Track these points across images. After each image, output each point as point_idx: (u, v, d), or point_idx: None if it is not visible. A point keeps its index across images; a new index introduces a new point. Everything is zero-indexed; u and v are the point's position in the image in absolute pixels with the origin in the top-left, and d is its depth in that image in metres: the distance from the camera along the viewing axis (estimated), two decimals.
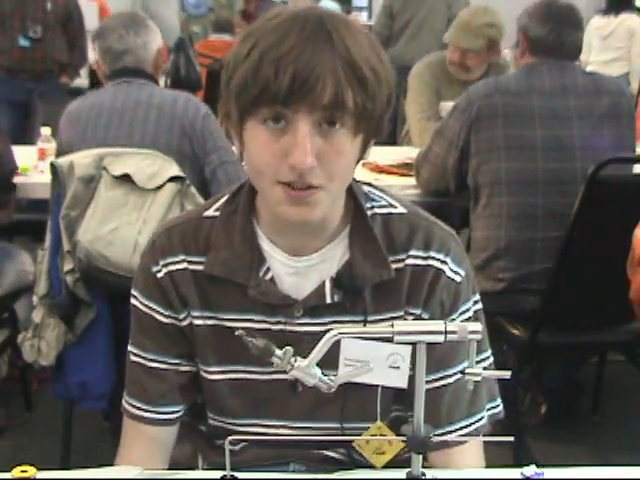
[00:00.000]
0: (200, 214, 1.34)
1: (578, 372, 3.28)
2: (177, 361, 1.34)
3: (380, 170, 3.20)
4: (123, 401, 1.38)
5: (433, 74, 3.83)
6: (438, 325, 1.03)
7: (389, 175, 3.21)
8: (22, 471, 1.13)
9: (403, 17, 5.81)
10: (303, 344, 1.05)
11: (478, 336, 1.03)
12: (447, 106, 3.13)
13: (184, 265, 1.31)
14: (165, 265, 1.31)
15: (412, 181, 3.08)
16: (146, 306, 1.33)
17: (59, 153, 2.67)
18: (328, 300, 1.27)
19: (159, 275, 1.31)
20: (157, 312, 1.33)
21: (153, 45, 2.77)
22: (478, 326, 1.03)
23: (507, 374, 1.09)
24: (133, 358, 1.36)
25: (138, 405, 1.36)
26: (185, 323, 1.32)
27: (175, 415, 1.37)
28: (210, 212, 1.33)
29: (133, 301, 1.36)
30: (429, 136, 2.97)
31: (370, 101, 1.15)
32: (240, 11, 8.27)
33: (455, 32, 3.71)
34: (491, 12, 3.74)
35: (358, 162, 1.24)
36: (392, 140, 4.11)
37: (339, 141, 1.15)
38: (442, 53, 3.93)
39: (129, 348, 1.38)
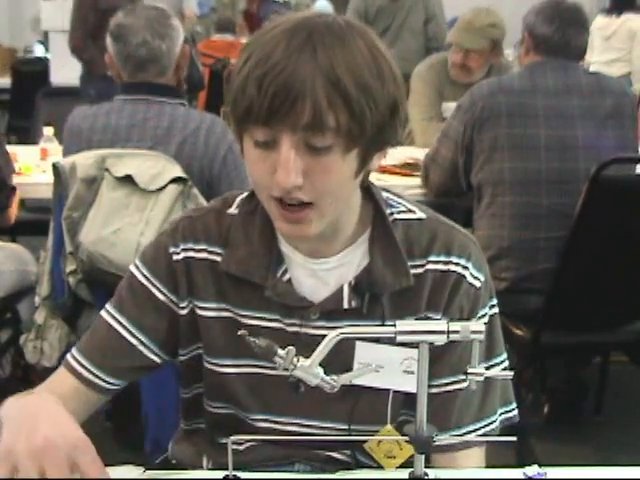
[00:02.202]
0: (223, 210, 1.33)
1: (581, 372, 3.28)
2: (151, 345, 1.32)
3: (383, 170, 3.20)
4: (69, 356, 1.34)
5: (436, 75, 3.84)
6: (440, 325, 1.03)
7: (392, 175, 3.21)
8: None
9: (380, 24, 5.63)
10: (316, 348, 1.05)
11: (481, 336, 1.03)
12: (450, 107, 3.13)
13: (204, 255, 1.31)
14: (185, 250, 1.31)
15: (415, 181, 3.08)
16: (148, 279, 1.32)
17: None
18: (345, 305, 1.26)
19: (175, 257, 1.31)
20: (157, 289, 1.32)
21: (176, 49, 2.54)
22: (481, 325, 1.03)
23: (510, 374, 1.09)
24: (109, 320, 1.33)
25: (87, 366, 1.32)
26: (183, 312, 1.32)
27: (117, 387, 1.35)
28: (231, 210, 1.33)
29: (133, 270, 1.34)
30: (431, 136, 2.97)
31: (356, 120, 1.12)
32: (242, 11, 8.27)
33: (458, 33, 3.71)
34: (493, 13, 3.74)
35: (360, 174, 1.21)
36: None
37: (327, 159, 1.14)
38: (444, 54, 3.94)
39: (107, 307, 1.35)
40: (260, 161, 1.15)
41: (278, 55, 1.10)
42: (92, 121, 2.53)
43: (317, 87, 1.09)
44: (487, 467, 1.31)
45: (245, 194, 1.34)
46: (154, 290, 1.32)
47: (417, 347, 1.05)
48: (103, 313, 1.35)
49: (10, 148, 3.19)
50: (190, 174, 2.37)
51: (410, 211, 1.32)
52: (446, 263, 1.28)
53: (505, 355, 1.36)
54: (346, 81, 1.10)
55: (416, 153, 3.29)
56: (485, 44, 3.64)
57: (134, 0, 4.83)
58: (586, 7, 2.85)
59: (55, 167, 2.31)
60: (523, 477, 1.18)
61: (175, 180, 2.28)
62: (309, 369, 1.07)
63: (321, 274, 1.28)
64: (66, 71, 6.06)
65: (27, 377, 3.09)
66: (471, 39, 3.64)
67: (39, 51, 8.01)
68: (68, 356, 1.35)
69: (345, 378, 1.11)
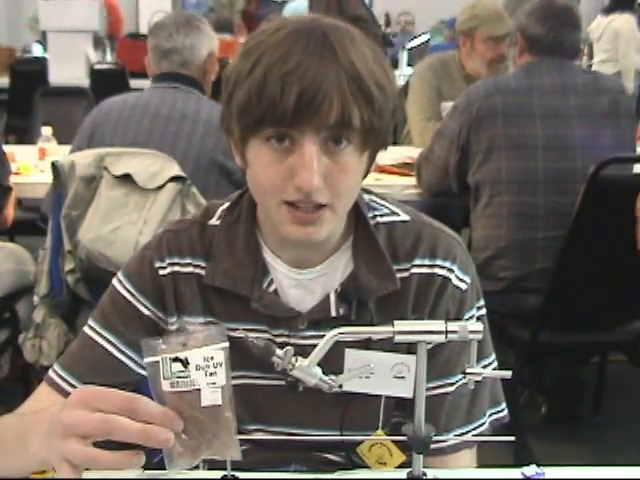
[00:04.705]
0: (205, 221, 1.32)
1: (579, 372, 3.28)
2: (140, 360, 1.28)
3: (381, 170, 3.20)
4: (53, 374, 1.31)
5: (435, 74, 3.84)
6: (439, 325, 1.03)
7: (390, 175, 3.21)
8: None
9: None
10: (307, 357, 1.04)
11: (479, 336, 1.03)
12: (449, 106, 3.13)
13: (190, 269, 1.29)
14: (171, 264, 1.29)
15: (413, 181, 3.08)
16: (132, 294, 1.30)
17: (78, 146, 2.62)
18: (333, 313, 1.26)
19: (162, 272, 1.29)
20: (141, 304, 1.30)
21: (202, 49, 2.72)
22: (479, 326, 1.03)
23: (508, 374, 1.08)
24: (95, 337, 1.30)
25: (77, 385, 1.28)
26: (173, 328, 1.29)
27: None
28: (213, 221, 1.32)
29: (116, 284, 1.31)
30: (429, 137, 2.97)
31: (377, 117, 1.12)
32: (241, 11, 8.28)
33: (499, 23, 3.68)
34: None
35: (364, 177, 1.22)
36: (393, 140, 4.11)
37: (345, 159, 1.13)
38: (444, 53, 3.94)
39: (90, 323, 1.32)
40: (274, 164, 1.13)
41: (299, 54, 1.08)
42: (124, 99, 2.69)
43: (343, 86, 1.08)
44: (485, 467, 1.31)
45: (226, 204, 1.32)
46: (139, 305, 1.30)
47: (407, 352, 1.06)
48: (87, 330, 1.32)
49: (8, 148, 3.19)
50: (216, 152, 2.51)
51: (393, 213, 1.31)
52: (431, 266, 1.28)
53: (494, 356, 1.35)
54: (367, 80, 1.10)
55: (414, 153, 3.29)
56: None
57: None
58: (585, 8, 2.86)
59: (54, 166, 2.31)
60: (521, 477, 1.18)
61: (174, 179, 2.28)
62: (307, 369, 1.07)
63: (306, 283, 1.27)
64: (64, 71, 6.06)
65: (26, 377, 3.09)
66: (507, 23, 3.65)
67: (37, 51, 8.01)
68: (52, 374, 1.32)
69: (343, 378, 1.11)
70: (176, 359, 0.98)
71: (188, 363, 0.98)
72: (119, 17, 8.51)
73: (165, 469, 1.37)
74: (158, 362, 0.99)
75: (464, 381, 1.07)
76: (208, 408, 1.00)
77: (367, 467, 1.28)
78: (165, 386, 0.99)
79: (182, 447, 1.01)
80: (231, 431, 1.02)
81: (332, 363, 1.09)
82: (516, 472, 1.19)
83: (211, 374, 0.99)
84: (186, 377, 0.99)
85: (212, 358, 0.99)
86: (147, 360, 0.99)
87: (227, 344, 0.99)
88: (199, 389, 0.99)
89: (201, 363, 0.98)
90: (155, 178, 2.27)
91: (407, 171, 3.21)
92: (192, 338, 0.99)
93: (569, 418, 3.21)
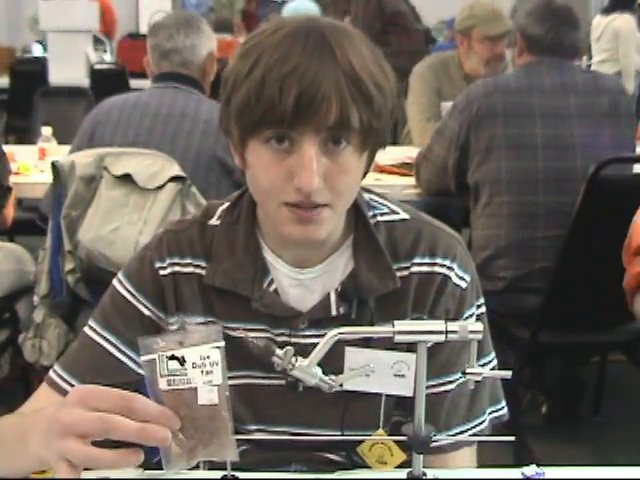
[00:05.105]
0: (205, 221, 1.32)
1: (579, 371, 3.28)
2: (137, 359, 1.27)
3: (381, 170, 3.20)
4: (54, 374, 1.30)
5: (435, 74, 3.84)
6: (439, 325, 1.03)
7: (390, 175, 3.21)
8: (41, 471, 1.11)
9: None
10: (307, 356, 1.04)
11: (479, 336, 1.03)
12: (448, 106, 3.13)
13: (190, 269, 1.29)
14: (172, 265, 1.29)
15: (413, 181, 3.08)
16: (132, 295, 1.30)
17: (78, 145, 2.63)
18: (334, 312, 1.26)
19: (162, 272, 1.29)
20: (142, 304, 1.30)
21: (202, 49, 2.73)
22: (479, 326, 1.03)
23: (508, 374, 1.08)
24: (95, 337, 1.30)
25: (72, 382, 1.28)
26: (173, 328, 1.30)
27: None
28: (213, 221, 1.32)
29: (116, 285, 1.31)
30: (429, 137, 2.97)
31: (376, 118, 1.13)
32: (241, 11, 8.28)
33: (495, 22, 3.69)
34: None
35: (364, 177, 1.23)
36: (392, 140, 4.12)
37: (345, 160, 1.14)
38: (443, 53, 3.94)
39: (91, 323, 1.31)
40: (274, 165, 1.13)
41: (297, 55, 1.09)
42: (125, 98, 2.69)
43: (342, 87, 1.09)
44: (485, 467, 1.31)
45: (226, 204, 1.33)
46: (139, 305, 1.30)
47: (407, 350, 1.06)
48: (87, 330, 1.32)
49: (8, 148, 3.19)
50: (215, 151, 2.51)
51: (393, 212, 1.32)
52: (431, 265, 1.28)
53: (493, 354, 1.35)
54: (365, 80, 1.11)
55: (413, 153, 3.29)
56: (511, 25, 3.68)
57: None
58: (592, 7, 2.86)
59: (54, 166, 2.31)
60: (521, 477, 1.18)
61: (174, 179, 2.28)
62: (307, 369, 1.07)
63: (307, 283, 1.28)
64: (64, 71, 6.06)
65: (26, 377, 3.09)
66: (505, 23, 3.66)
67: (37, 51, 8.01)
68: (52, 374, 1.31)
69: (343, 378, 1.11)
70: (172, 357, 0.99)
71: (185, 361, 0.99)
72: (112, 18, 8.51)
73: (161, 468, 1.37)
74: (155, 360, 0.99)
75: (464, 380, 1.07)
76: (205, 407, 1.00)
77: (367, 467, 1.28)
78: (162, 384, 0.99)
79: (179, 448, 1.01)
80: (228, 431, 1.02)
81: (332, 363, 1.09)
82: (516, 472, 1.19)
83: (207, 373, 0.99)
84: (183, 375, 0.99)
85: (208, 357, 0.99)
86: (144, 358, 1.00)
87: (223, 343, 1.00)
88: (196, 387, 0.99)
89: (197, 361, 0.99)
90: (155, 178, 2.27)
91: (407, 171, 3.21)
92: (188, 336, 1.00)
93: (569, 418, 3.21)
